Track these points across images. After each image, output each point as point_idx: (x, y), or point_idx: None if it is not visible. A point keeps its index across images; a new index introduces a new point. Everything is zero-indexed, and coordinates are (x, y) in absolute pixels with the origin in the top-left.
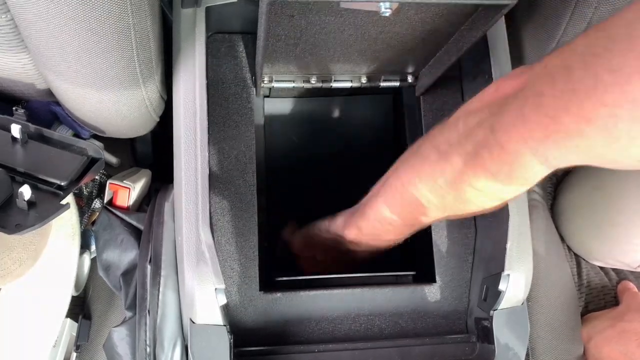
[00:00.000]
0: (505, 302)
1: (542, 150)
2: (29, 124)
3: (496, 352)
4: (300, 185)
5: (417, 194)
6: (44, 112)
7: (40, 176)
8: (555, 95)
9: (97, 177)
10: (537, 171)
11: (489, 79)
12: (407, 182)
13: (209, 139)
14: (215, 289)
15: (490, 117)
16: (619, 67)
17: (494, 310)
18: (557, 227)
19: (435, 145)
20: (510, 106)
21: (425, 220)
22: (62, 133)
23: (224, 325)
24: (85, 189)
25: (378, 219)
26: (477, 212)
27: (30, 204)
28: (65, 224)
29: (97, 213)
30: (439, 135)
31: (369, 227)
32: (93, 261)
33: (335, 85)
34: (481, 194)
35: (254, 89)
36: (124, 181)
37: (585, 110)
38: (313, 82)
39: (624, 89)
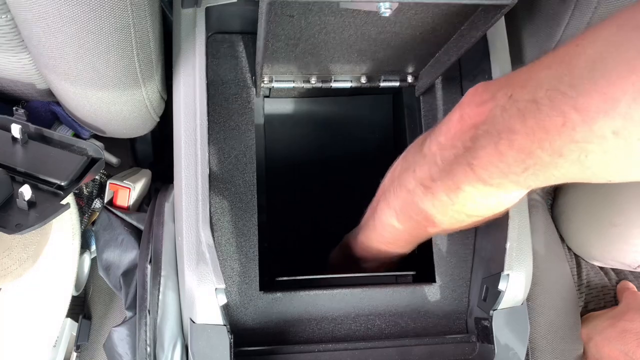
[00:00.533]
0: (505, 302)
1: (522, 180)
2: (29, 124)
3: (496, 352)
4: (301, 185)
5: (408, 222)
6: (44, 112)
7: (41, 176)
8: (527, 133)
9: (97, 177)
10: (520, 194)
11: (488, 79)
12: (399, 212)
13: (209, 139)
14: (216, 288)
15: (465, 152)
16: (584, 107)
17: (494, 310)
18: (557, 227)
19: (418, 180)
20: (484, 141)
21: (431, 233)
22: (62, 133)
23: (224, 325)
24: (86, 188)
25: (381, 233)
26: (477, 224)
27: (31, 203)
28: (66, 224)
29: (97, 213)
30: (418, 169)
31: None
32: (93, 261)
33: (335, 85)
34: (472, 217)
35: (254, 89)
36: (124, 181)
37: (557, 147)
38: (313, 82)
39: (592, 128)
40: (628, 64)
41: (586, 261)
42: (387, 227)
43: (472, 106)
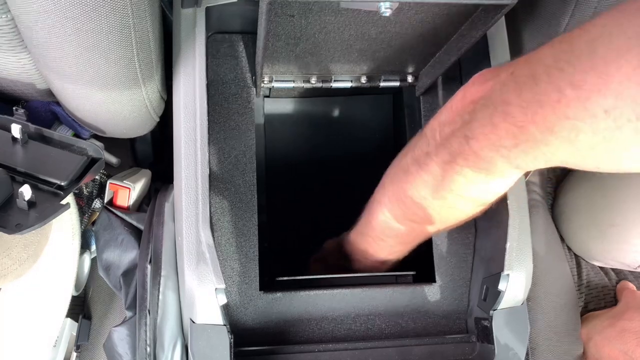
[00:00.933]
0: (505, 302)
1: (512, 157)
2: (29, 124)
3: (496, 352)
4: (301, 185)
5: (403, 211)
6: (44, 112)
7: (41, 176)
8: (522, 105)
9: (97, 177)
10: (511, 174)
11: None
12: (394, 198)
13: (209, 139)
14: (216, 288)
15: (463, 126)
16: (580, 83)
17: (494, 310)
18: (557, 227)
19: (415, 157)
20: (480, 114)
21: (426, 230)
22: (62, 133)
23: (224, 325)
24: (86, 188)
25: (380, 230)
26: (467, 218)
27: (31, 203)
28: (66, 224)
29: (97, 213)
30: (417, 148)
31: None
32: (93, 261)
33: (335, 85)
34: (463, 200)
35: (254, 89)
36: (124, 181)
37: (550, 122)
38: (313, 82)
39: (585, 105)
40: (625, 44)
41: (586, 261)
42: (381, 223)
43: (475, 85)
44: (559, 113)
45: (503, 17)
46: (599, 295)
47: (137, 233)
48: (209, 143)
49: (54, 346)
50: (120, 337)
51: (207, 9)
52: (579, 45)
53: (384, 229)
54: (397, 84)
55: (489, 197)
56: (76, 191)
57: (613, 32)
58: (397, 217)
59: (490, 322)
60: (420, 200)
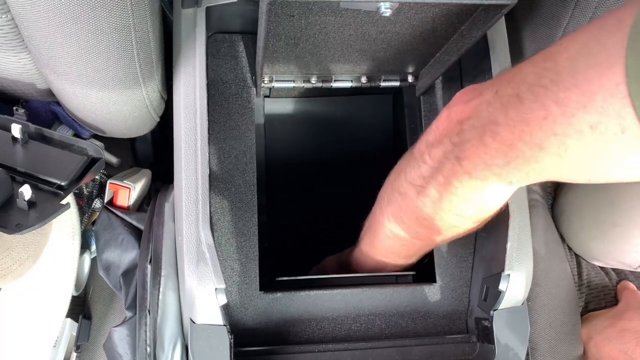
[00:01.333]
0: (505, 302)
1: (505, 174)
2: (29, 124)
3: (496, 352)
4: (301, 185)
5: (405, 231)
6: (44, 112)
7: (41, 176)
8: (509, 124)
9: (97, 177)
10: (505, 191)
11: (489, 79)
12: (393, 219)
13: (209, 139)
14: (216, 289)
15: (453, 148)
16: (564, 101)
17: (494, 310)
18: (557, 227)
19: (409, 180)
20: (469, 134)
21: (432, 241)
22: (62, 133)
23: (224, 325)
24: (86, 188)
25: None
26: (468, 232)
27: (31, 203)
28: (66, 224)
29: (98, 213)
30: (410, 170)
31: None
32: (93, 261)
33: (335, 85)
34: (461, 218)
35: (254, 89)
36: (124, 181)
37: (538, 139)
38: (313, 82)
39: (571, 121)
40: (606, 61)
41: (587, 261)
42: (387, 235)
43: (459, 104)
44: (546, 130)
45: (503, 17)
46: (599, 295)
47: (137, 233)
48: (209, 143)
49: (54, 346)
50: (120, 337)
51: (208, 9)
52: (560, 62)
53: (387, 247)
54: (397, 84)
55: (486, 213)
56: (76, 191)
57: (593, 50)
58: (398, 235)
59: (491, 322)
60: (420, 220)
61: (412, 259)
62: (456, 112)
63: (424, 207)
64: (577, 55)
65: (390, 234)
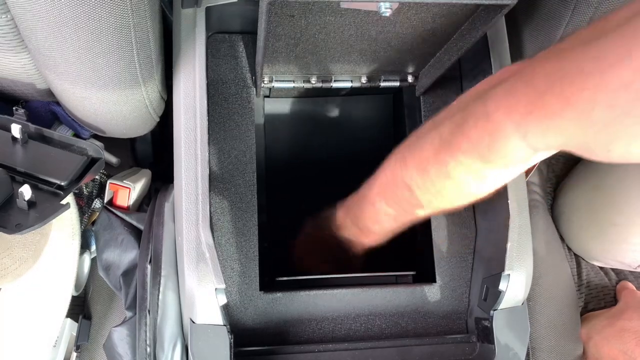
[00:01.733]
0: (505, 302)
1: (524, 125)
2: (29, 124)
3: (496, 352)
4: (301, 185)
5: (406, 177)
6: (44, 112)
7: (41, 176)
8: (545, 74)
9: (97, 177)
10: (516, 148)
11: None
12: (399, 163)
13: (209, 139)
14: (216, 289)
15: (486, 91)
16: (601, 55)
17: (494, 310)
18: (557, 227)
19: (433, 119)
20: (506, 82)
21: (418, 211)
22: (62, 133)
23: (224, 325)
24: (86, 188)
25: (374, 211)
26: (465, 198)
27: (31, 203)
28: (66, 224)
29: (97, 213)
30: (440, 112)
31: (365, 217)
32: (93, 261)
33: (335, 85)
34: (463, 169)
35: (254, 89)
36: (124, 181)
37: (568, 91)
38: (313, 82)
39: (604, 77)
40: None
41: (586, 261)
42: (393, 181)
43: (512, 65)
44: (578, 83)
45: (503, 17)
46: (598, 295)
47: (137, 233)
48: (209, 143)
49: (54, 346)
50: (120, 337)
51: (207, 9)
52: (608, 25)
53: (388, 188)
54: (397, 84)
55: (489, 175)
56: (76, 191)
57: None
58: (386, 196)
59: (491, 322)
60: (419, 165)
61: (399, 222)
62: (506, 70)
63: (432, 144)
64: (622, 22)
65: (402, 176)
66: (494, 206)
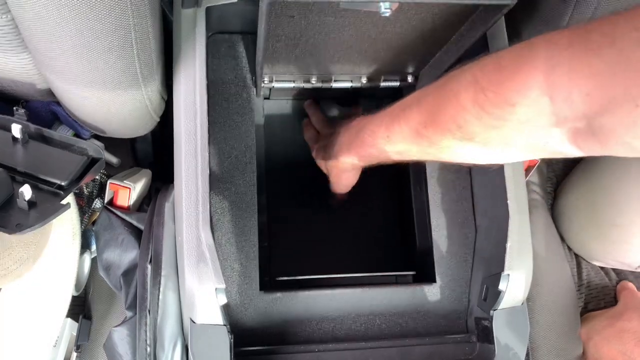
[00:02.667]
0: (505, 302)
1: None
2: (30, 124)
3: (496, 351)
4: (301, 184)
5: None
6: (45, 112)
7: (41, 176)
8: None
9: (97, 177)
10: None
11: None
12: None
13: (209, 139)
14: (216, 288)
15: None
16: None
17: (494, 310)
18: (557, 227)
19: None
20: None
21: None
22: (62, 133)
23: (224, 325)
24: (86, 188)
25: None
26: (462, 140)
27: (31, 203)
28: (66, 224)
29: (98, 213)
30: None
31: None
32: (93, 261)
33: (335, 85)
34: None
35: (254, 89)
36: (125, 181)
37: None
38: (313, 82)
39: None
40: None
41: (586, 261)
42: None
43: None
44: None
45: (503, 17)
46: (598, 296)
47: (137, 233)
48: (209, 143)
49: (54, 346)
50: (120, 337)
51: (207, 9)
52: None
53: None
54: (397, 84)
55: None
56: (76, 191)
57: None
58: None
59: (491, 322)
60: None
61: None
62: None
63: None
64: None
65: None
66: (494, 206)
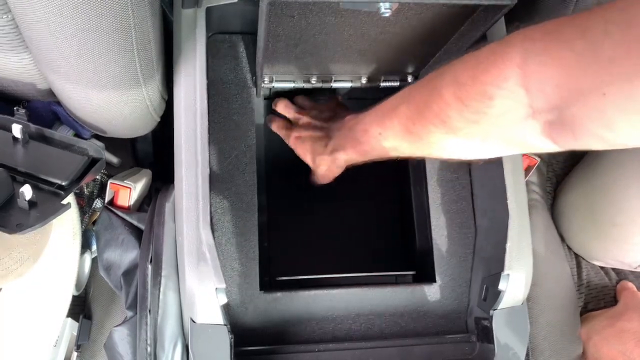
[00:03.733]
0: (505, 302)
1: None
2: (30, 124)
3: (496, 351)
4: (301, 184)
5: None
6: (45, 112)
7: (41, 176)
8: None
9: (98, 177)
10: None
11: None
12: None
13: (209, 139)
14: (216, 288)
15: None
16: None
17: (494, 310)
18: (557, 227)
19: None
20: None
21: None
22: (63, 133)
23: (225, 325)
24: (86, 188)
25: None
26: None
27: (31, 203)
28: (66, 224)
29: (98, 213)
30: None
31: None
32: (94, 261)
33: (335, 85)
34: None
35: (254, 89)
36: (125, 181)
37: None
38: (313, 82)
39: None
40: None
41: (586, 261)
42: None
43: None
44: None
45: (503, 17)
46: (598, 296)
47: (137, 233)
48: (209, 143)
49: (55, 346)
50: (120, 336)
51: (208, 9)
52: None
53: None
54: (397, 84)
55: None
56: (77, 191)
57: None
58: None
59: (491, 322)
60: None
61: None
62: None
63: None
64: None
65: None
66: (494, 206)
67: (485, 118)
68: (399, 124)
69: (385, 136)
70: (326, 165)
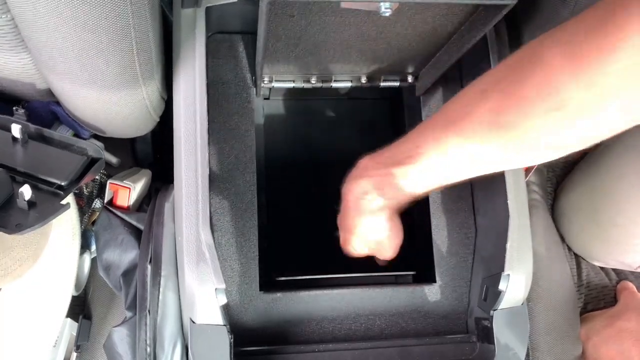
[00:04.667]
0: (505, 302)
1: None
2: (29, 124)
3: (496, 352)
4: (300, 185)
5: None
6: (44, 112)
7: (41, 176)
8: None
9: (97, 177)
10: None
11: None
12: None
13: (209, 139)
14: (216, 288)
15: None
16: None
17: (494, 310)
18: (557, 227)
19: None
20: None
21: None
22: (62, 133)
23: (224, 325)
24: (86, 188)
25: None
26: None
27: (31, 203)
28: (66, 224)
29: (98, 213)
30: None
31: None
32: (93, 261)
33: (335, 85)
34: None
35: (254, 89)
36: (124, 181)
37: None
38: (313, 82)
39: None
40: None
41: (586, 261)
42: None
43: None
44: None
45: (503, 17)
46: (598, 296)
47: (137, 233)
48: (209, 143)
49: (54, 346)
50: (120, 337)
51: (207, 9)
52: None
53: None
54: (397, 84)
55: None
56: (76, 191)
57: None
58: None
59: (491, 322)
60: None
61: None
62: None
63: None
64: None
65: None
66: (494, 206)
67: (604, 79)
68: (480, 122)
69: (460, 144)
70: (355, 215)
